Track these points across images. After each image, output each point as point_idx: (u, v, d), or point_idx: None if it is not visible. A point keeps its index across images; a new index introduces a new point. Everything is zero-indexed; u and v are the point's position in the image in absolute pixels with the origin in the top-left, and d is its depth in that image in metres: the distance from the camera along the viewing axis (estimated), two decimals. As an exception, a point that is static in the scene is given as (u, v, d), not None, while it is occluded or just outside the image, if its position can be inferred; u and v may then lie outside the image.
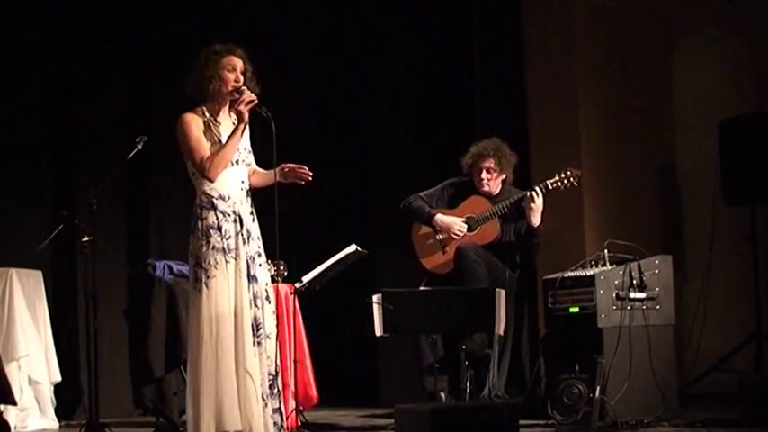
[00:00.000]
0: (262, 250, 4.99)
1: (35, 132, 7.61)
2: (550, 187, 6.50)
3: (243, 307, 4.81)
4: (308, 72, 8.28)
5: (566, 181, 6.51)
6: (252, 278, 4.87)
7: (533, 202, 6.46)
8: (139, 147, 6.11)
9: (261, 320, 4.85)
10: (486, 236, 6.59)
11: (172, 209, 7.66)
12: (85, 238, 6.14)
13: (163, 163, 7.56)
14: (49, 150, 7.69)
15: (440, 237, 6.65)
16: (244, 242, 4.88)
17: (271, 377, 4.87)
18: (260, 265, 4.94)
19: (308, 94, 8.19)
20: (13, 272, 6.71)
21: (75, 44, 7.74)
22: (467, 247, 6.49)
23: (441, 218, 6.64)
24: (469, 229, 6.63)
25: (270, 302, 4.95)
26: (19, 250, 7.08)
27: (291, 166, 5.07)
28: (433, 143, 7.82)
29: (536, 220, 6.51)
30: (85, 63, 7.75)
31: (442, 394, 6.21)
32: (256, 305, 4.86)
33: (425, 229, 6.72)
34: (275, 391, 4.88)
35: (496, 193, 6.69)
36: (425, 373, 6.35)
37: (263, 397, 4.83)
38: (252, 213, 4.99)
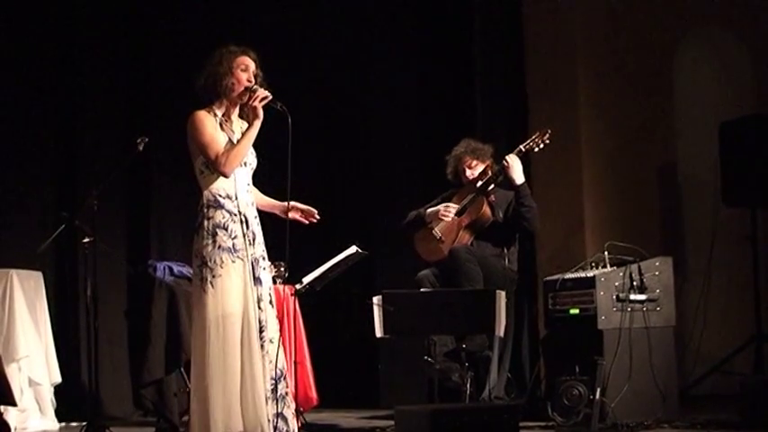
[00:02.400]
0: (265, 254, 4.98)
1: (36, 133, 7.61)
2: (523, 150, 6.61)
3: (249, 308, 4.81)
4: (308, 72, 8.27)
5: (538, 141, 6.61)
6: (257, 280, 4.86)
7: (508, 168, 6.54)
8: (140, 148, 6.11)
9: (264, 323, 4.84)
10: (473, 213, 6.66)
11: (172, 210, 7.66)
12: (86, 240, 6.14)
13: (163, 164, 7.56)
14: (50, 151, 7.69)
15: (434, 229, 6.74)
16: (249, 243, 4.87)
17: (273, 381, 4.85)
18: (264, 268, 4.94)
19: (308, 94, 8.18)
20: (14, 273, 6.70)
21: (76, 45, 7.74)
22: (458, 247, 6.55)
23: (428, 210, 6.79)
24: (460, 214, 6.70)
25: (273, 306, 4.94)
26: (20, 251, 7.08)
27: (302, 207, 5.13)
28: (434, 143, 7.81)
29: (517, 178, 6.57)
30: (86, 63, 7.75)
31: (468, 386, 6.11)
32: (260, 308, 4.85)
33: (423, 232, 6.81)
34: (278, 395, 4.85)
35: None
36: (449, 362, 6.28)
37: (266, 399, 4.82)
38: (256, 217, 4.98)
